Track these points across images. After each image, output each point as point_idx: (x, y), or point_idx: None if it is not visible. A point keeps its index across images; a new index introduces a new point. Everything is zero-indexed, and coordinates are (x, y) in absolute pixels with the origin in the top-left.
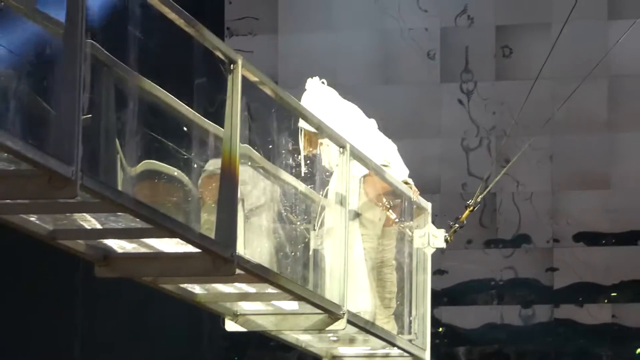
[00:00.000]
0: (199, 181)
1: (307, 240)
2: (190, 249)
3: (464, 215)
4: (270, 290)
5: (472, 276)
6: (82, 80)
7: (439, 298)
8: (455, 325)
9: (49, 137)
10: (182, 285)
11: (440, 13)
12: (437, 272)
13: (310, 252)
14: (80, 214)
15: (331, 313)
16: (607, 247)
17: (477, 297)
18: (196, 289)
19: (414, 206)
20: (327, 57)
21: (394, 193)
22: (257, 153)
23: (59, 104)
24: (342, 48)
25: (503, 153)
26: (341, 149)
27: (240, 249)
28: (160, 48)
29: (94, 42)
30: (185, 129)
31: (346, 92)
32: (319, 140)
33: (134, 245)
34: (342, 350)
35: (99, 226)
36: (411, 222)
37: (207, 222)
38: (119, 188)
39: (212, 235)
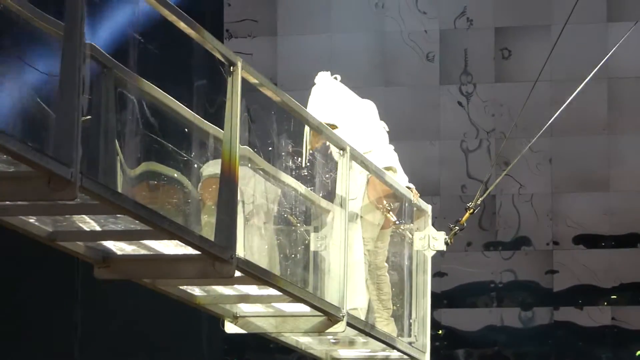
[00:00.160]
0: (200, 184)
1: (307, 242)
2: (189, 250)
3: (464, 218)
4: (270, 292)
5: (471, 279)
6: (81, 82)
7: (438, 300)
8: (455, 327)
9: (49, 139)
10: (181, 287)
11: (440, 15)
12: (436, 275)
13: (310, 254)
14: (79, 216)
15: (331, 315)
16: (606, 249)
17: (476, 300)
18: (196, 291)
19: (414, 208)
20: (326, 59)
21: (394, 195)
22: (257, 155)
23: (58, 106)
24: (341, 50)
25: (502, 155)
26: (341, 152)
27: (239, 251)
28: (160, 50)
29: (93, 44)
30: (185, 130)
31: None
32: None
33: (134, 247)
34: (341, 352)
35: (98, 228)
36: (411, 225)
37: (208, 224)
38: (119, 190)
39: (213, 237)
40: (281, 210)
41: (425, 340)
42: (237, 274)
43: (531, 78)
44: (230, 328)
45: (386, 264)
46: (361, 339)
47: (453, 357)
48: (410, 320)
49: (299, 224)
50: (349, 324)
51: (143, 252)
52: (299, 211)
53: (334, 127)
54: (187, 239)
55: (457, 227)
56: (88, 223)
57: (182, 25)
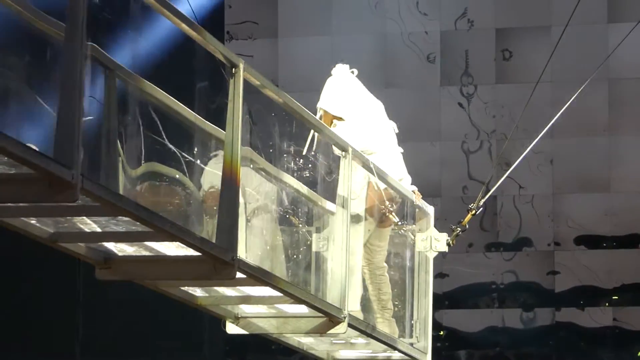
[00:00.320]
0: (201, 194)
1: (308, 242)
2: (191, 252)
3: (466, 219)
4: (271, 293)
5: (473, 279)
6: (82, 84)
7: (440, 301)
8: (456, 328)
9: (50, 141)
10: (183, 288)
11: (440, 16)
12: (438, 276)
13: (312, 255)
14: (81, 217)
15: (332, 317)
16: (608, 250)
17: (478, 301)
18: (197, 291)
19: (417, 210)
20: (327, 61)
21: (395, 196)
22: (258, 155)
23: (59, 108)
24: (342, 51)
25: (503, 156)
26: (343, 153)
27: (241, 253)
28: (161, 51)
29: (94, 44)
30: (186, 131)
31: None
32: (334, 121)
33: (135, 248)
34: (343, 353)
35: (99, 229)
36: (413, 226)
37: (210, 226)
38: (120, 191)
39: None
40: (283, 211)
41: (426, 341)
42: (239, 275)
43: (532, 79)
44: (231, 329)
45: (386, 264)
46: (362, 339)
47: (454, 358)
48: (412, 322)
49: (300, 225)
50: (350, 325)
51: (144, 253)
52: (300, 212)
53: (340, 119)
54: (189, 240)
55: (458, 229)
56: (89, 224)
57: (184, 27)
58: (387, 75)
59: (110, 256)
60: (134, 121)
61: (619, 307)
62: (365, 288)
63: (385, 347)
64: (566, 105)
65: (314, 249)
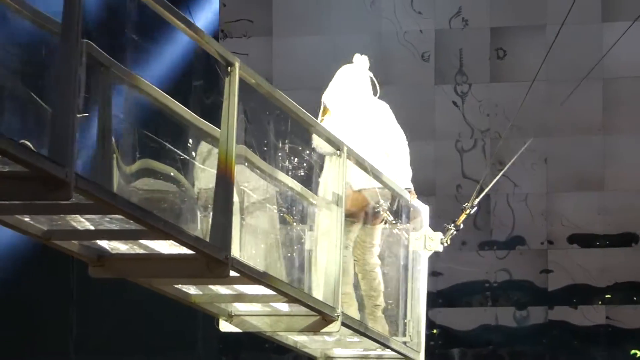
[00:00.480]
0: (196, 192)
1: (302, 241)
2: (184, 250)
3: (460, 219)
4: (265, 291)
5: (466, 278)
6: (77, 82)
7: (433, 300)
8: (449, 327)
9: (44, 139)
10: (177, 286)
11: (435, 15)
12: (431, 274)
13: (306, 254)
14: (74, 215)
15: (325, 315)
16: (601, 248)
17: (471, 299)
18: (191, 289)
19: (411, 209)
20: (322, 59)
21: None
22: (253, 154)
23: (54, 105)
24: (336, 50)
25: (497, 155)
26: (338, 152)
27: (235, 251)
28: (157, 48)
29: (89, 42)
30: (181, 129)
31: None
32: (322, 117)
33: (129, 245)
34: (336, 351)
35: (93, 227)
36: (408, 225)
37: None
38: (114, 190)
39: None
40: (277, 210)
41: (419, 339)
42: (232, 273)
43: (526, 78)
44: (225, 327)
45: (378, 261)
46: (355, 338)
47: (448, 357)
48: (405, 320)
49: (295, 223)
50: (343, 324)
51: (138, 251)
52: (295, 210)
53: (326, 110)
54: (182, 239)
55: (453, 228)
56: (82, 222)
57: (180, 26)
58: (381, 74)
59: (103, 254)
60: (129, 119)
61: (612, 306)
62: (357, 285)
63: (378, 345)
64: (562, 103)
65: (307, 247)
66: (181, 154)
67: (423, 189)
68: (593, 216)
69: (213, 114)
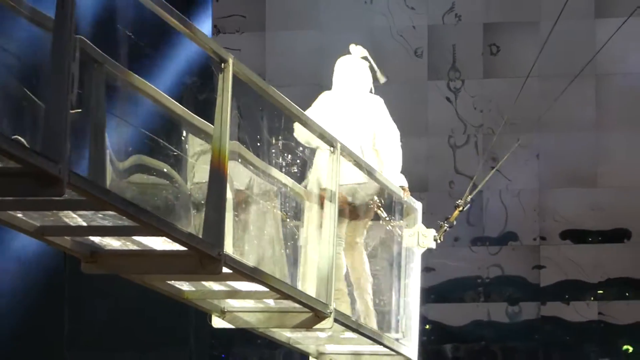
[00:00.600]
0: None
1: (296, 237)
2: (177, 246)
3: (453, 216)
4: (258, 288)
5: (459, 274)
6: (71, 79)
7: (426, 295)
8: (442, 322)
9: (37, 135)
10: (169, 282)
11: (428, 11)
12: (424, 270)
13: (299, 250)
14: (67, 211)
15: (318, 312)
16: (593, 244)
17: (464, 295)
18: (184, 286)
19: (404, 205)
20: (315, 55)
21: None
22: (246, 150)
23: (47, 102)
24: (329, 46)
25: (490, 151)
26: (332, 149)
27: (228, 248)
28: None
29: (83, 37)
30: (175, 125)
31: None
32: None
33: (121, 242)
34: (329, 347)
35: (85, 223)
36: (401, 221)
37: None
38: (108, 185)
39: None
40: (270, 206)
41: (412, 336)
42: (225, 270)
43: (519, 74)
44: (217, 323)
45: (362, 259)
46: (348, 334)
47: (440, 352)
48: (398, 317)
49: (288, 219)
50: (336, 320)
51: (131, 247)
52: (288, 207)
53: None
54: (175, 235)
55: (446, 225)
56: (75, 218)
57: (173, 22)
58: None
59: (96, 250)
60: (122, 115)
61: (605, 302)
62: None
63: (371, 341)
64: (555, 100)
65: (300, 243)
66: (174, 150)
67: (416, 185)
68: (585, 212)
69: (207, 111)
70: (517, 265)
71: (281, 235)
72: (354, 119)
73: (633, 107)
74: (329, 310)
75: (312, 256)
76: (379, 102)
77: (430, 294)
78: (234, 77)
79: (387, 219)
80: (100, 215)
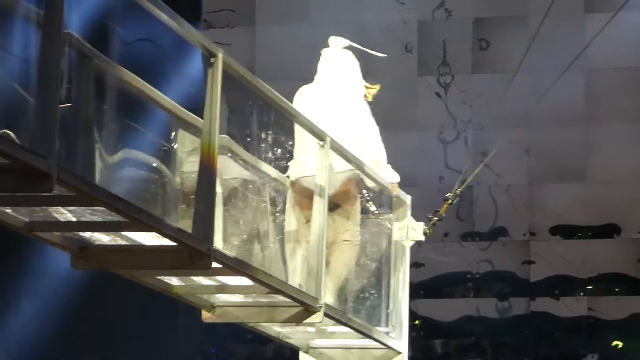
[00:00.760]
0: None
1: (285, 231)
2: (167, 241)
3: (443, 209)
4: (248, 282)
5: (448, 269)
6: (60, 74)
7: (415, 291)
8: (431, 317)
9: (26, 131)
10: (159, 277)
11: (418, 6)
12: (413, 265)
13: (288, 244)
14: (56, 207)
15: (308, 306)
16: (583, 240)
17: (453, 290)
18: (173, 280)
19: (393, 199)
20: (305, 50)
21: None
22: (236, 144)
23: (36, 97)
24: (319, 40)
25: (480, 146)
26: (321, 142)
27: (218, 243)
28: (140, 40)
29: (72, 32)
30: (164, 119)
31: None
32: None
33: (111, 237)
34: (318, 342)
35: (75, 219)
36: (390, 215)
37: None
38: (97, 180)
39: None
40: (260, 200)
41: (402, 330)
42: (215, 265)
43: (509, 69)
44: (207, 318)
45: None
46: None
47: (430, 347)
48: (388, 311)
49: (278, 214)
50: (326, 315)
51: (120, 242)
52: (278, 201)
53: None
54: (165, 231)
55: (436, 218)
56: (64, 214)
57: (162, 16)
58: (364, 65)
59: (85, 245)
60: (111, 110)
61: (594, 297)
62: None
63: (361, 335)
64: (542, 95)
65: (289, 237)
66: (164, 144)
67: (405, 180)
68: (575, 207)
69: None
70: (507, 261)
71: (270, 229)
72: (331, 115)
73: (622, 102)
74: (318, 305)
75: (302, 250)
76: (355, 98)
77: (420, 290)
78: (224, 71)
79: (376, 212)
80: (89, 210)
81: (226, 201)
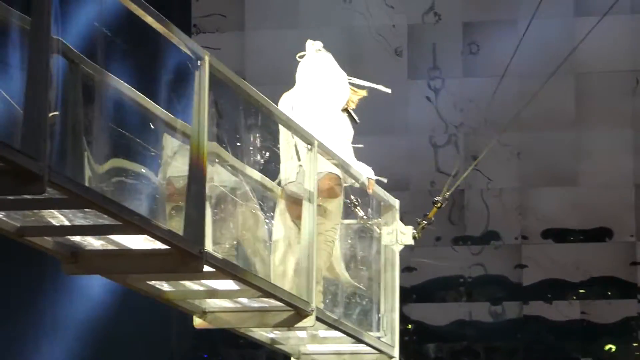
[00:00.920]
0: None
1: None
2: (158, 245)
3: (432, 213)
4: (239, 287)
5: (441, 273)
6: (49, 77)
7: (408, 295)
8: (424, 322)
9: (17, 133)
10: (150, 283)
11: (407, 10)
12: (405, 270)
13: (279, 247)
14: (48, 211)
15: (300, 310)
16: (575, 243)
17: (446, 294)
18: (165, 286)
19: (382, 203)
20: (295, 54)
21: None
22: (224, 150)
23: (26, 101)
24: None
25: (471, 150)
26: (309, 146)
27: (209, 246)
28: (127, 44)
29: (60, 39)
30: (152, 125)
31: None
32: None
33: (102, 242)
34: (310, 347)
35: (67, 223)
36: (379, 219)
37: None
38: (87, 184)
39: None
40: (251, 205)
41: (394, 334)
42: (207, 268)
43: (499, 72)
44: (198, 323)
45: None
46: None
47: (422, 352)
48: (379, 315)
49: (267, 220)
50: (318, 319)
51: (112, 247)
52: (266, 206)
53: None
54: (156, 233)
55: (425, 222)
56: (57, 218)
57: (150, 20)
58: (354, 69)
59: (77, 250)
60: (100, 115)
61: (587, 301)
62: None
63: (352, 340)
64: (531, 99)
65: (280, 241)
66: (153, 149)
67: (397, 184)
68: (567, 211)
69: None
70: (499, 265)
71: (261, 233)
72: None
73: (613, 105)
74: (310, 308)
75: (294, 253)
76: (326, 105)
77: (412, 294)
78: (211, 75)
79: (364, 217)
80: (80, 214)
81: (215, 206)
